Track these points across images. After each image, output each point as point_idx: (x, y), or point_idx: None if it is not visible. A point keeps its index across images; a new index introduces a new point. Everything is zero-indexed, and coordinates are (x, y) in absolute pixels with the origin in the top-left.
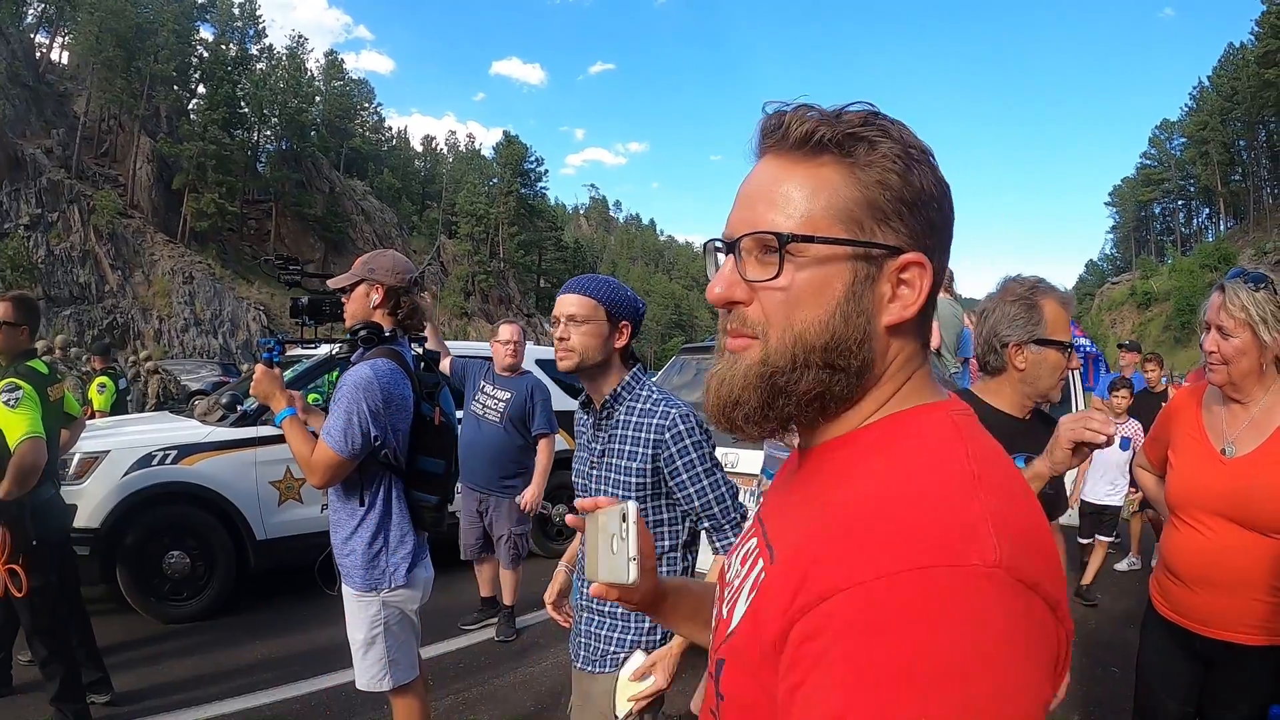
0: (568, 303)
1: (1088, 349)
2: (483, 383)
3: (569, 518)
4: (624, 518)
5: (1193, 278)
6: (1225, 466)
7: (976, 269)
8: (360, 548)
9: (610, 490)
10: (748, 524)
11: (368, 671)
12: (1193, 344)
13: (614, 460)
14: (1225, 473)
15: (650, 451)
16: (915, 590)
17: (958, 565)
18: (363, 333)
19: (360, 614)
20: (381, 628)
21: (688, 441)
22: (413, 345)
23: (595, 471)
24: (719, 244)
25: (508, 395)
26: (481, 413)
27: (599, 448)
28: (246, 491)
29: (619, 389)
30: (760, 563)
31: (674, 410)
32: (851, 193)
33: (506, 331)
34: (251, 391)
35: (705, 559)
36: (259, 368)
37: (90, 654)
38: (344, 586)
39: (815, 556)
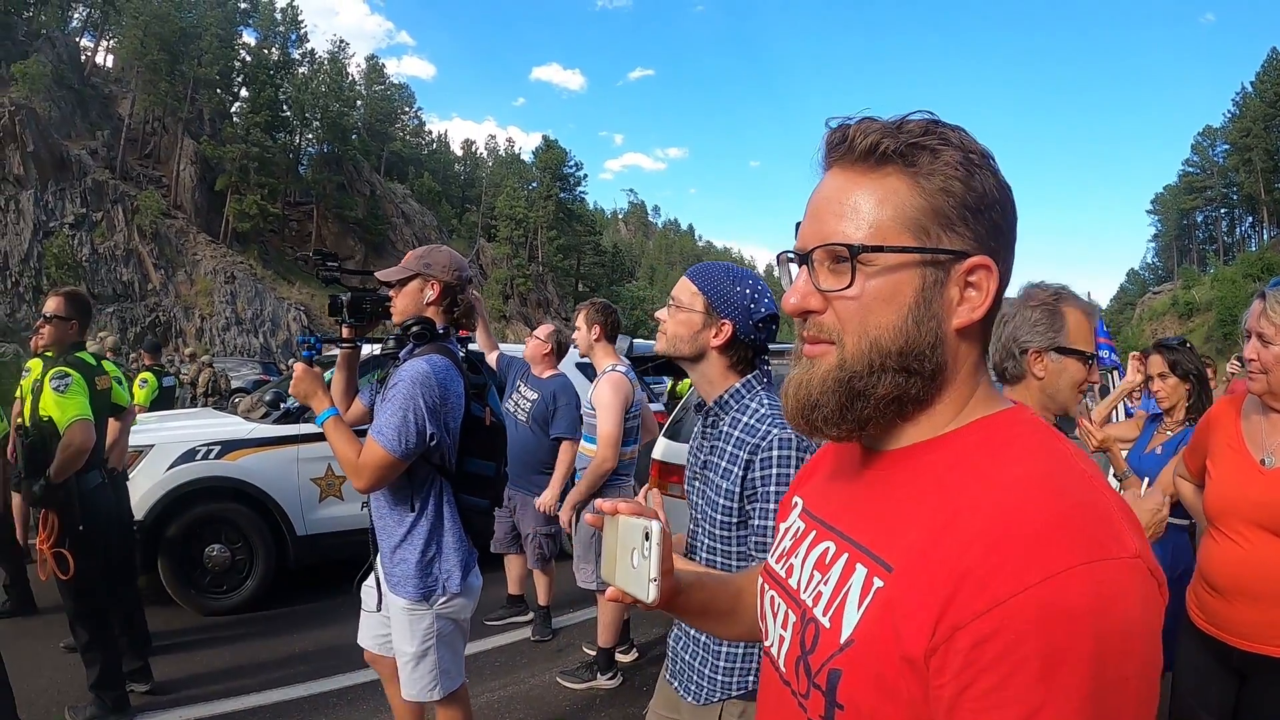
0: (677, 285)
1: (1109, 360)
2: (519, 381)
3: (588, 517)
4: (647, 536)
5: (1235, 287)
6: (1264, 477)
7: (1016, 278)
8: (413, 556)
9: (703, 511)
10: (793, 524)
11: (418, 683)
12: (1235, 355)
13: (711, 476)
14: (1264, 483)
15: (742, 473)
16: (1087, 584)
17: (1113, 558)
18: (416, 328)
19: (412, 626)
20: (434, 639)
21: (774, 471)
22: (460, 345)
23: (695, 484)
24: (790, 255)
25: (535, 395)
26: (514, 410)
27: (702, 458)
28: (288, 487)
29: (726, 396)
30: (859, 569)
31: (775, 430)
32: (917, 201)
33: (543, 331)
34: (291, 391)
35: None
36: (298, 366)
37: (135, 642)
38: (392, 597)
39: (967, 568)
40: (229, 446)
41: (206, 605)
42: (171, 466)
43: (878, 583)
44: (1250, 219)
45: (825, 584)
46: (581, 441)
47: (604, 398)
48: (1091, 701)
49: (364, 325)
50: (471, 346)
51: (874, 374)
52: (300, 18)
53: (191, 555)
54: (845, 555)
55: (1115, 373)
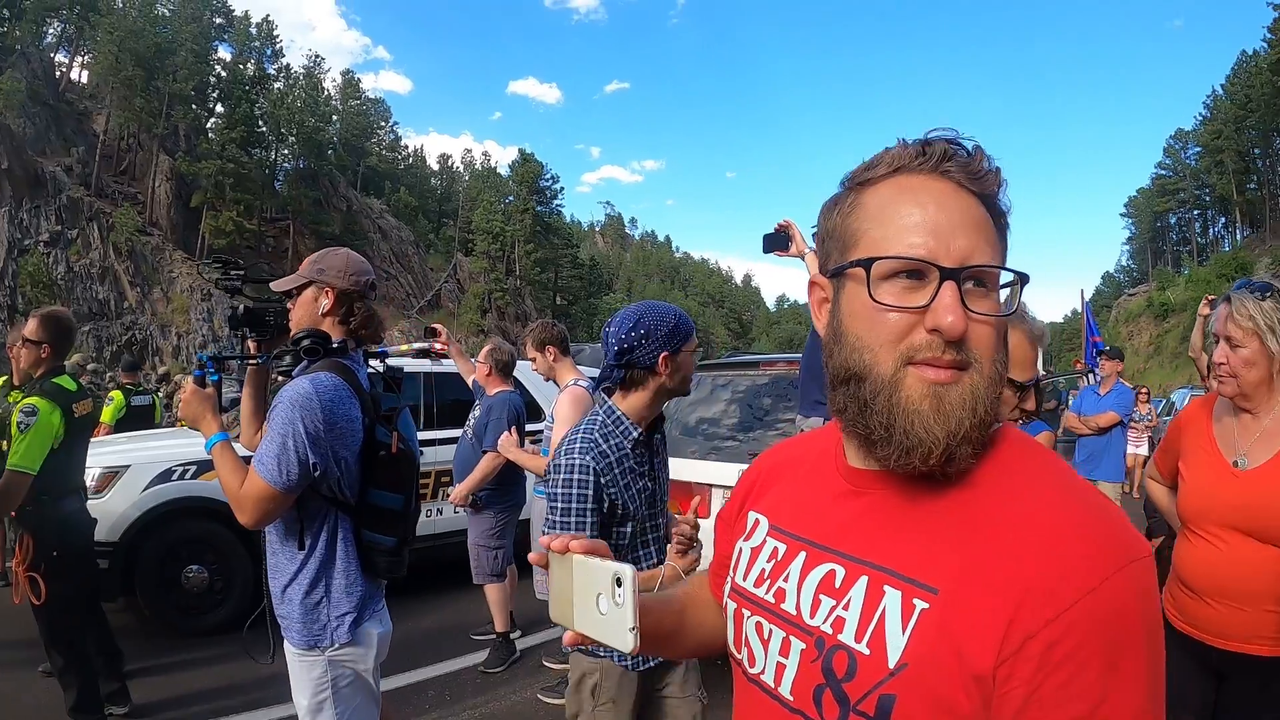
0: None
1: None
2: (478, 400)
3: (531, 556)
4: (619, 582)
5: (1210, 288)
6: (1237, 479)
7: None
8: (297, 597)
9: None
10: (762, 543)
11: None
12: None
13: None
14: (1237, 485)
15: None
16: (1130, 585)
17: (1140, 558)
18: (306, 342)
19: (303, 675)
20: (329, 692)
21: None
22: (370, 361)
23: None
24: (910, 266)
25: (478, 412)
26: (466, 428)
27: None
28: None
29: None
30: (891, 592)
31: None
32: (1000, 231)
33: (482, 352)
34: (179, 414)
35: None
36: (187, 386)
37: (110, 664)
38: (285, 643)
39: (1028, 584)
40: (205, 466)
41: (185, 627)
42: (148, 487)
43: (920, 605)
44: (1223, 220)
45: (846, 609)
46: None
47: (563, 411)
48: (1148, 678)
49: (271, 339)
50: (392, 362)
51: (995, 400)
52: (276, 33)
53: (169, 576)
54: (864, 578)
55: (1091, 375)
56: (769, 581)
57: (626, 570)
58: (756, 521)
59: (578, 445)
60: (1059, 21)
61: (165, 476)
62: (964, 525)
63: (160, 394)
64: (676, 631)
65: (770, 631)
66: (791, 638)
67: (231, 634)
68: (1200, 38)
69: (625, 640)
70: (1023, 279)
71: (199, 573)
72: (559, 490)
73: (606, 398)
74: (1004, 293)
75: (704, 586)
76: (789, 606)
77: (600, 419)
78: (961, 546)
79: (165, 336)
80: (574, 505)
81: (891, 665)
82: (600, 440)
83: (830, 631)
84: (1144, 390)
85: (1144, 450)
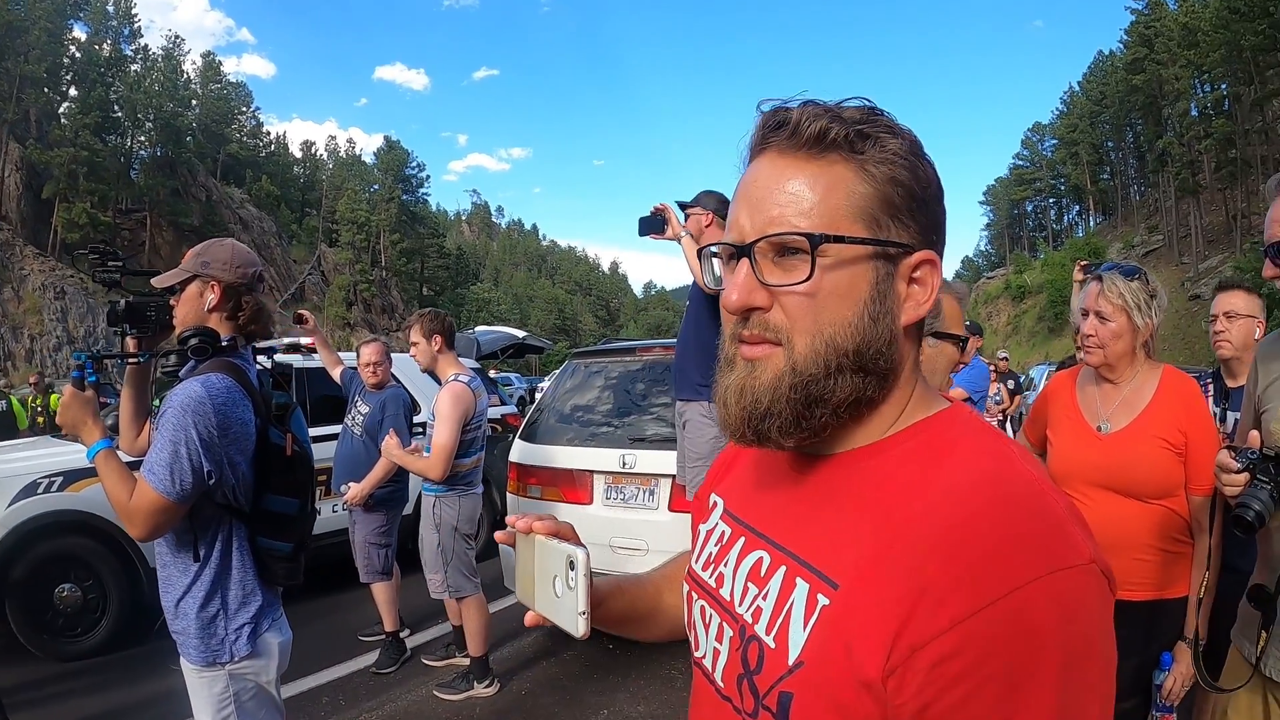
0: None
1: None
2: (356, 397)
3: (499, 535)
4: (571, 565)
5: (1064, 271)
6: (1102, 442)
7: None
8: (192, 611)
9: None
10: (715, 526)
11: None
12: (1065, 334)
13: None
14: (1102, 447)
15: None
16: (1048, 597)
17: (1070, 566)
18: (193, 341)
19: (204, 692)
20: (232, 707)
21: None
22: (259, 358)
23: None
24: (714, 249)
25: (367, 409)
26: (351, 425)
27: None
28: None
29: None
30: (800, 584)
31: None
32: (866, 189)
33: (365, 354)
34: (58, 420)
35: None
36: (66, 389)
37: None
38: (182, 660)
39: (923, 584)
40: (71, 477)
41: (63, 650)
42: (12, 503)
43: (823, 600)
44: (1077, 208)
45: (764, 599)
46: (422, 453)
47: (443, 408)
48: (1058, 714)
49: (152, 336)
50: (279, 358)
51: (831, 376)
52: (135, 12)
53: (41, 597)
54: (783, 568)
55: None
56: (713, 566)
57: (579, 553)
58: (715, 504)
59: None
60: (923, 17)
61: (30, 490)
62: (879, 514)
63: (32, 399)
64: (652, 613)
65: (710, 616)
66: (724, 624)
67: (115, 654)
68: (1059, 38)
69: (576, 624)
70: (813, 241)
71: (72, 591)
72: None
73: None
74: (873, 260)
75: (681, 568)
76: (725, 592)
77: None
78: (870, 538)
79: (18, 339)
80: None
81: (790, 662)
82: None
83: (750, 621)
84: (1003, 361)
85: None
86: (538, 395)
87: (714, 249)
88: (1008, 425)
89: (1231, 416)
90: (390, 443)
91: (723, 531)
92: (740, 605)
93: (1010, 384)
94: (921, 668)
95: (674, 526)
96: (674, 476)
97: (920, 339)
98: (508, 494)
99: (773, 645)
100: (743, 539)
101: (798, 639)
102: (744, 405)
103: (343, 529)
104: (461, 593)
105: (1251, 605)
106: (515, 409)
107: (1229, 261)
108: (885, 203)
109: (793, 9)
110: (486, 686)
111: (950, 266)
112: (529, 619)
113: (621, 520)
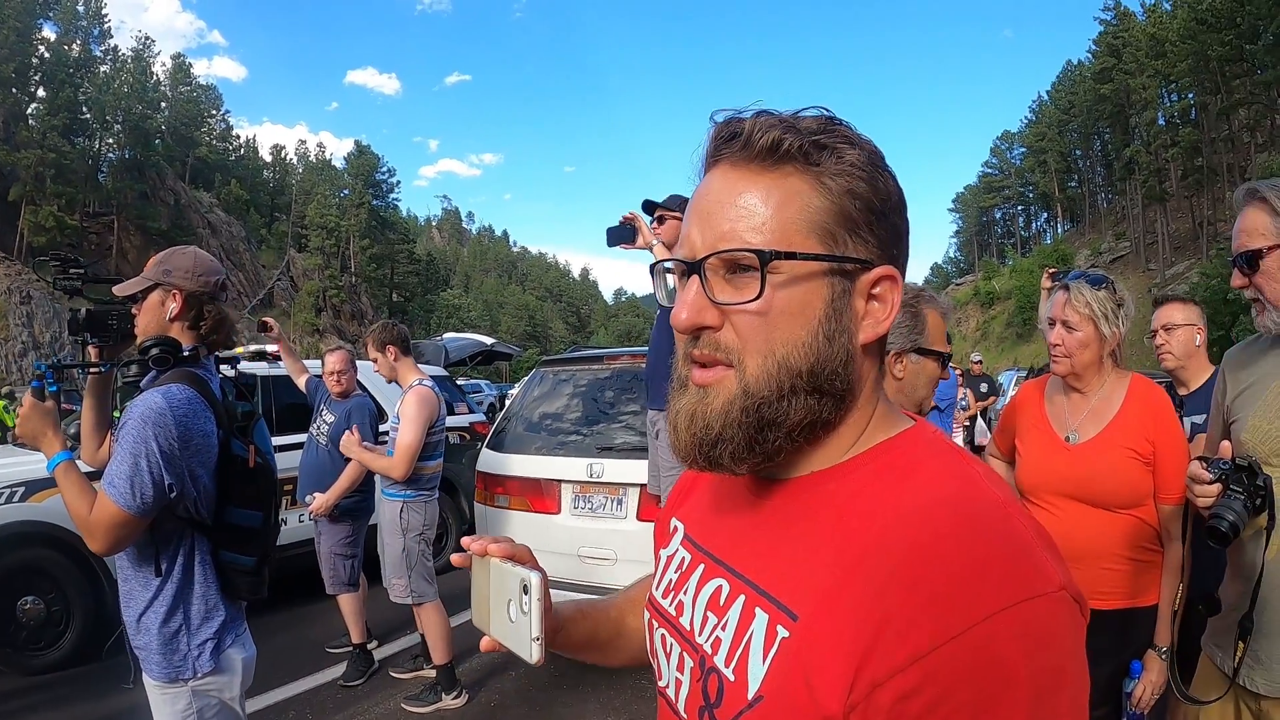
0: None
1: None
2: (322, 406)
3: (455, 557)
4: (525, 589)
5: (1033, 277)
6: (1070, 452)
7: None
8: (154, 626)
9: None
10: (675, 551)
11: None
12: (1034, 339)
13: None
14: (1070, 458)
15: None
16: (1015, 629)
17: (1039, 595)
18: (154, 351)
19: (166, 708)
20: None
21: None
22: (222, 368)
23: None
24: (668, 265)
25: (333, 418)
26: (316, 435)
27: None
28: None
29: None
30: (760, 615)
31: None
32: (821, 203)
33: (329, 362)
34: (18, 432)
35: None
36: (26, 399)
37: None
38: (144, 676)
39: (884, 616)
40: (34, 487)
41: (27, 664)
42: None
43: (782, 632)
44: (1045, 215)
45: (724, 629)
46: (384, 453)
47: (409, 410)
48: None
49: (114, 345)
50: (244, 366)
51: (784, 398)
52: (105, 12)
53: (3, 610)
54: (742, 597)
55: None
56: (673, 593)
57: (534, 577)
58: (675, 528)
59: None
60: (893, 25)
61: None
62: (838, 542)
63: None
64: (615, 638)
65: (671, 645)
66: (685, 654)
67: (78, 669)
68: (1028, 48)
69: (530, 651)
70: (763, 257)
71: (35, 604)
72: None
73: None
74: (828, 276)
75: (644, 592)
76: (685, 621)
77: None
78: (829, 567)
79: None
80: None
81: (750, 696)
82: None
83: (710, 652)
84: (977, 364)
85: (959, 439)
86: (507, 402)
87: (668, 265)
88: (979, 423)
89: (1188, 421)
90: (350, 439)
91: (683, 558)
92: (700, 635)
93: (984, 386)
94: (883, 705)
95: (642, 536)
96: (643, 485)
97: (882, 357)
98: (475, 503)
99: (732, 678)
100: (702, 566)
101: (757, 672)
102: (694, 432)
103: (309, 539)
104: (423, 598)
105: (1201, 610)
106: (484, 417)
107: (1195, 268)
108: (842, 216)
109: (764, 15)
110: (455, 698)
111: (920, 273)
112: (484, 644)
113: (590, 530)
